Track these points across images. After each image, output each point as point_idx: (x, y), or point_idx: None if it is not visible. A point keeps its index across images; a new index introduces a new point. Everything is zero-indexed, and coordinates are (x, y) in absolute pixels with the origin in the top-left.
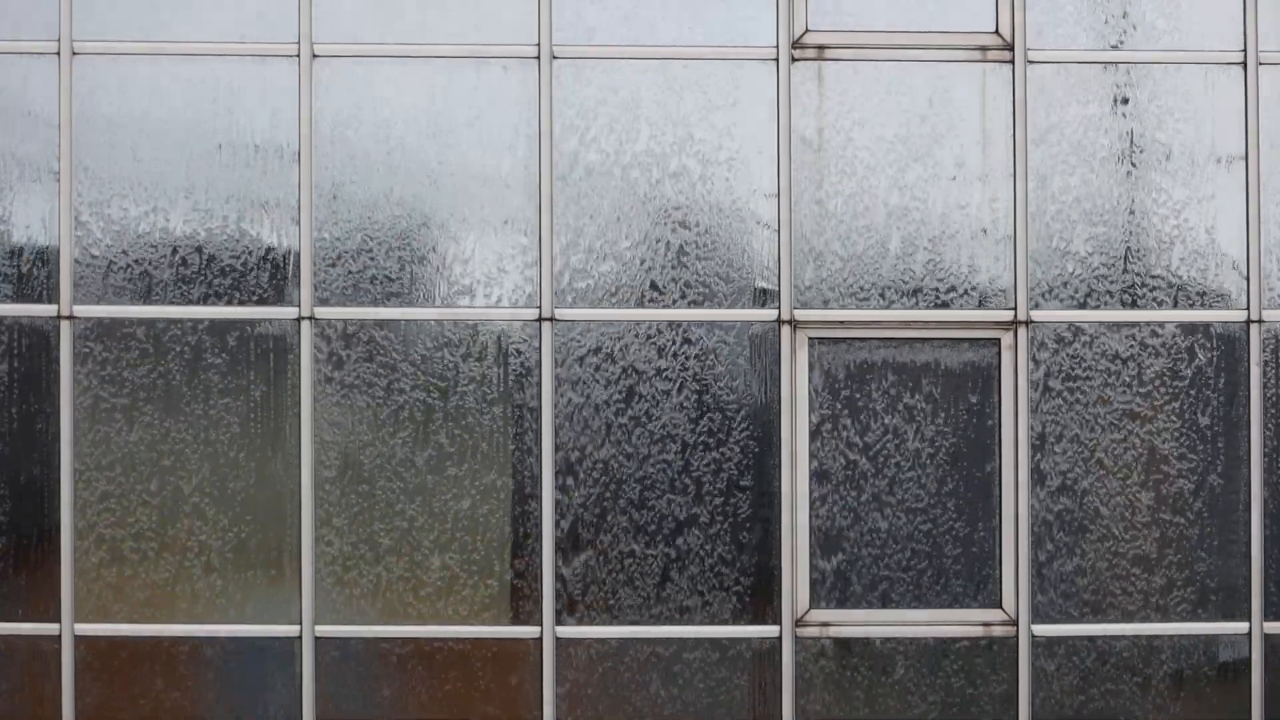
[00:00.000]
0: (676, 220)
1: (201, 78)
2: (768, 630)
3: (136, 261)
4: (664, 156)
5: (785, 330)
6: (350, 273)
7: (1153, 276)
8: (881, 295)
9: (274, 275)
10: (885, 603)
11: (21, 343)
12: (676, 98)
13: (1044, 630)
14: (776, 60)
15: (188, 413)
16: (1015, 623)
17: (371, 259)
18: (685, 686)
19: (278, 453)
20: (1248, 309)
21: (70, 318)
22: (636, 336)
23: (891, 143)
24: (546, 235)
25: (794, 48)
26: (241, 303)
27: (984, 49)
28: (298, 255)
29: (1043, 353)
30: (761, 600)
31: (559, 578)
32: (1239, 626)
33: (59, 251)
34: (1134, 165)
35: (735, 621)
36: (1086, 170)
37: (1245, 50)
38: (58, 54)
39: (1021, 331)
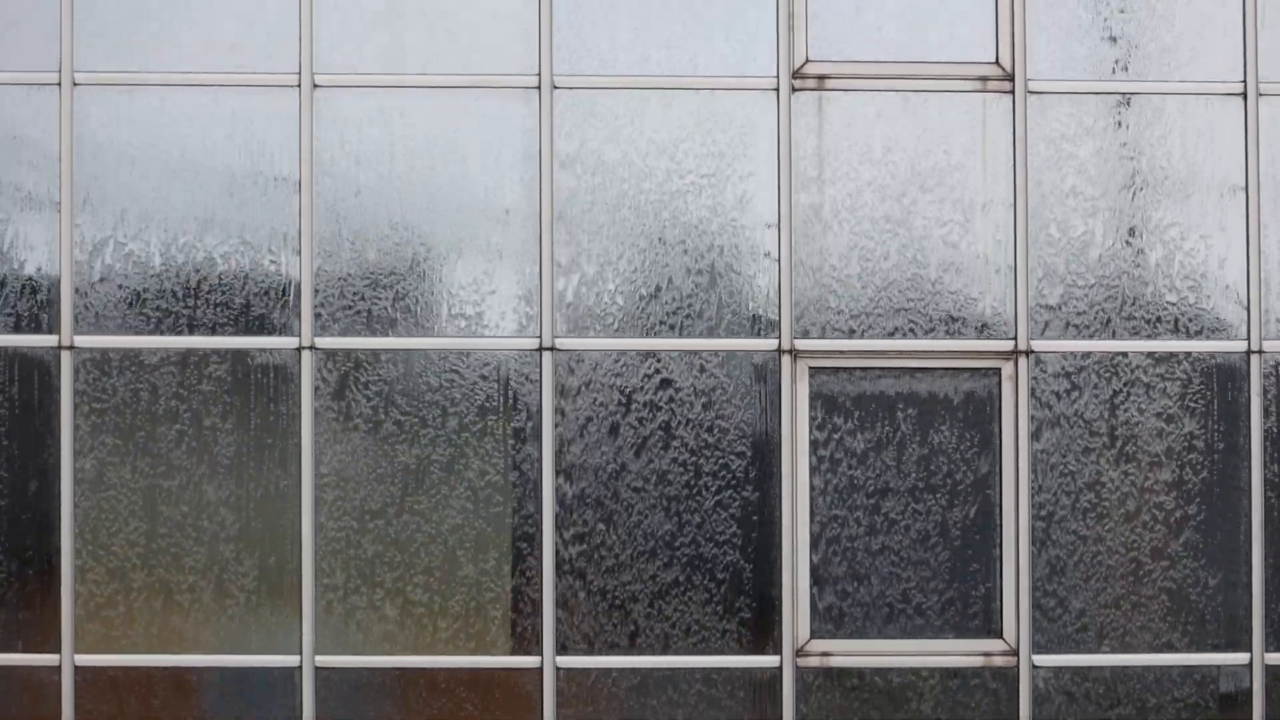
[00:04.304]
0: (677, 249)
1: (202, 108)
2: (768, 660)
3: (136, 291)
4: (665, 186)
5: (785, 360)
6: (349, 302)
7: (1153, 306)
8: (882, 325)
9: (274, 305)
10: (886, 633)
11: (21, 373)
12: (677, 127)
13: (1044, 660)
14: (777, 90)
15: (187, 441)
16: (1016, 653)
17: (371, 289)
18: (686, 717)
19: (278, 482)
20: (1248, 339)
21: (71, 348)
22: (636, 364)
23: (892, 170)
24: (547, 264)
25: (794, 78)
26: (242, 332)
27: (984, 79)
28: (298, 285)
29: (1042, 382)
30: (762, 630)
31: (560, 606)
32: (1240, 657)
33: (59, 281)
34: (1133, 195)
35: (736, 651)
36: (1086, 199)
37: (1245, 81)
38: (59, 84)
39: (1022, 361)
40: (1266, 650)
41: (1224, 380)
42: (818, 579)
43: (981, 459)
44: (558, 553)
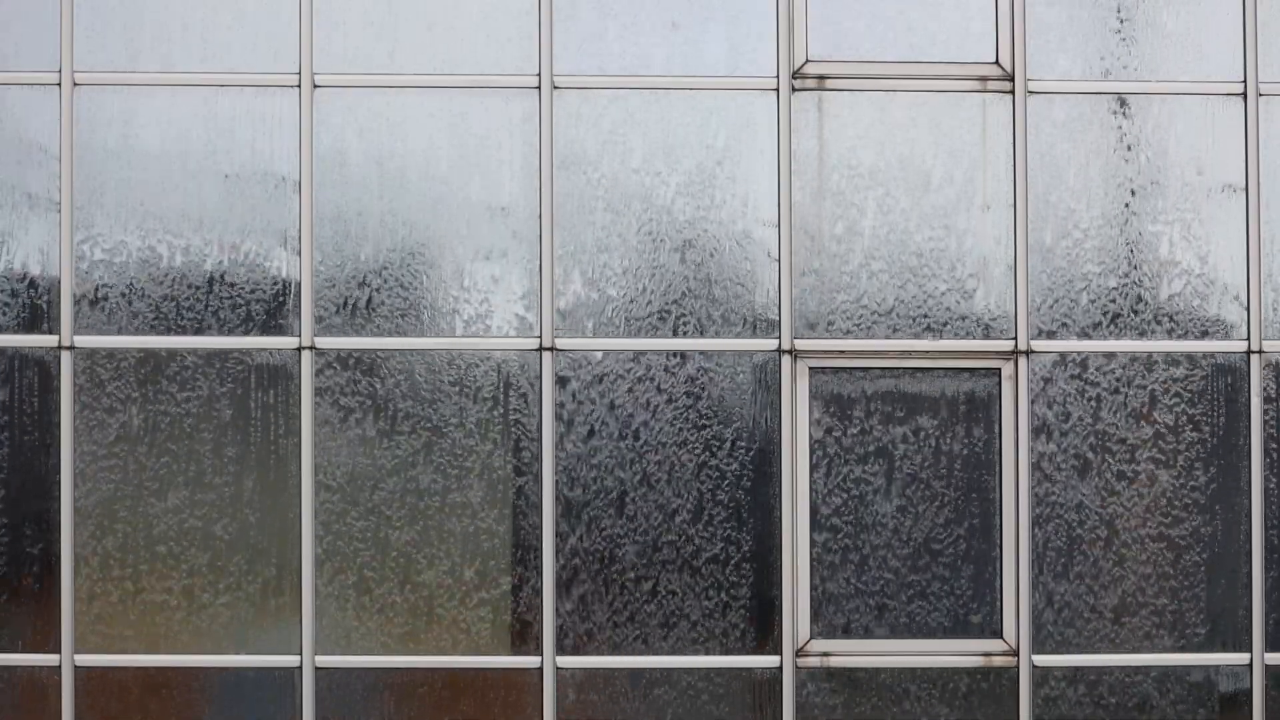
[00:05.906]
0: (679, 249)
1: (202, 108)
2: (768, 660)
3: (136, 292)
4: (666, 186)
5: (786, 360)
6: (349, 302)
7: (1152, 306)
8: (882, 325)
9: (274, 305)
10: (886, 633)
11: (21, 373)
12: (678, 127)
13: (1044, 660)
14: (777, 90)
15: (187, 441)
16: (1016, 653)
17: (370, 289)
18: (687, 716)
19: (278, 482)
20: (1248, 339)
21: (71, 348)
22: (637, 364)
23: (892, 171)
24: (547, 264)
25: (794, 78)
26: (242, 332)
27: (984, 79)
28: (298, 285)
29: (1040, 383)
30: (762, 630)
31: (559, 607)
32: (1239, 658)
33: (59, 282)
34: (1133, 194)
35: (736, 652)
36: (1086, 199)
37: (1245, 81)
38: (59, 85)
39: (1022, 361)
40: (1266, 650)
41: (1225, 380)
42: (818, 577)
43: (980, 458)
44: (556, 548)
